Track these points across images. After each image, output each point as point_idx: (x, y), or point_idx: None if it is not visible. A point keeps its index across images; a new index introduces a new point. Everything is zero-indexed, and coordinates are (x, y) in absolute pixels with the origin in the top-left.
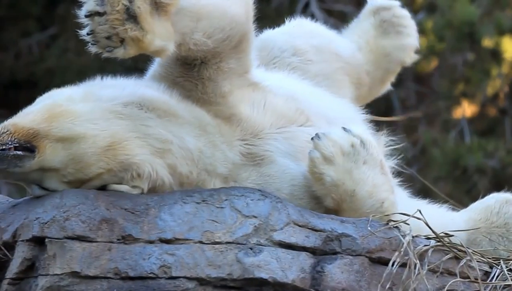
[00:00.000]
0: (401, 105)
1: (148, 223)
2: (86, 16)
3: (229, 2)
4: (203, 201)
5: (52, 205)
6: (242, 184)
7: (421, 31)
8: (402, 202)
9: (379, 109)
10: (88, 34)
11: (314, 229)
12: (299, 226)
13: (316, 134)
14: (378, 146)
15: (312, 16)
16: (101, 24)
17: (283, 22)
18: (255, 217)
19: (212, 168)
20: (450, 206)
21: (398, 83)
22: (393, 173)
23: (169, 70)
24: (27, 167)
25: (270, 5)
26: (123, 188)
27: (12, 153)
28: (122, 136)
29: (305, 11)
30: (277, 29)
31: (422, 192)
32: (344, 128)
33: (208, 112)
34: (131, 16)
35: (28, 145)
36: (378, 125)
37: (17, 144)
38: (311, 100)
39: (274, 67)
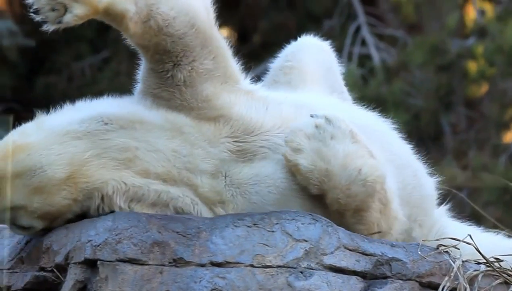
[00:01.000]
0: (451, 129)
1: (199, 246)
2: None
3: None
4: (254, 224)
5: (104, 227)
6: (234, 177)
7: (472, 56)
8: (454, 226)
9: (429, 133)
10: (36, 13)
11: (364, 253)
12: (350, 250)
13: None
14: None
15: (363, 41)
16: None
17: (334, 46)
18: (305, 240)
19: (192, 165)
20: (506, 234)
21: (448, 107)
22: (441, 198)
23: (147, 83)
24: None
25: (321, 29)
26: None
27: None
28: (80, 159)
29: (356, 36)
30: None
31: (472, 217)
32: (310, 115)
33: (188, 116)
34: None
35: None
36: (427, 149)
37: None
38: (331, 108)
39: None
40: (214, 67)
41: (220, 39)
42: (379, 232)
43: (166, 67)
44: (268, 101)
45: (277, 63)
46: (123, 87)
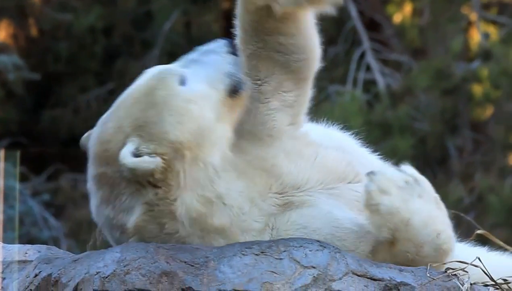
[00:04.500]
0: (458, 153)
1: (207, 275)
2: None
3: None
4: (262, 252)
5: (112, 259)
6: (281, 228)
7: (477, 79)
8: (463, 249)
9: (435, 157)
10: None
11: (372, 278)
12: (358, 275)
13: (371, 171)
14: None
15: (368, 66)
16: None
17: (339, 72)
18: (313, 267)
19: (246, 224)
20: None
21: (454, 131)
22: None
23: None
24: None
25: (326, 56)
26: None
27: None
28: (209, 125)
29: (361, 61)
30: None
31: (479, 239)
32: (397, 168)
33: (251, 162)
34: None
35: None
36: (433, 172)
37: None
38: (358, 152)
39: None
40: (291, 105)
41: (311, 86)
42: None
43: (256, 74)
44: (318, 149)
45: None
46: None
